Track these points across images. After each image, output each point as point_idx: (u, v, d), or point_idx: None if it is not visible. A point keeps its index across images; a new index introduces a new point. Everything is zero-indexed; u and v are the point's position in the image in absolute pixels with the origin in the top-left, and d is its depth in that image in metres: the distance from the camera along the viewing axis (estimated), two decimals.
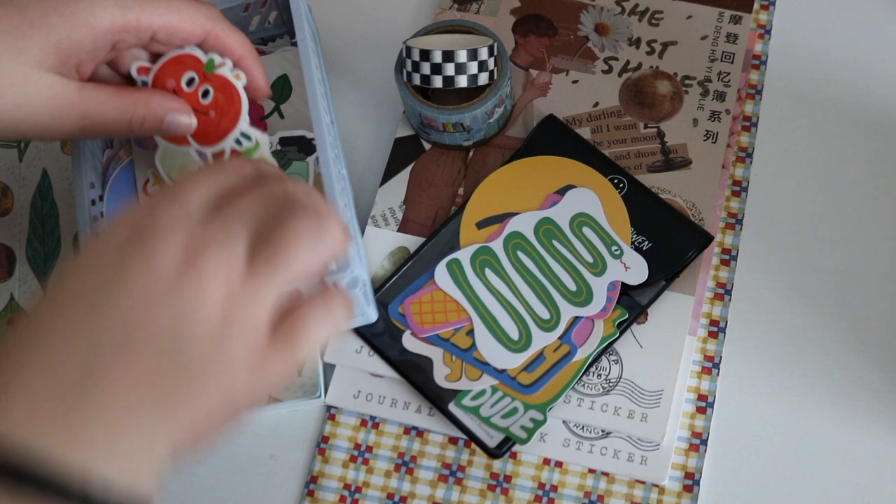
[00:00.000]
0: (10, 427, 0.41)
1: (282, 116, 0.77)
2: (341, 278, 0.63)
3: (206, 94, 0.64)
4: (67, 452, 0.41)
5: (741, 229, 0.75)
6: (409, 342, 0.71)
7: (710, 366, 0.71)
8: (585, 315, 0.70)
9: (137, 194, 0.74)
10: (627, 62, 0.80)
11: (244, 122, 0.64)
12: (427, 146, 0.78)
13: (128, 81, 0.66)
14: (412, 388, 0.70)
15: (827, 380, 0.70)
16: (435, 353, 0.70)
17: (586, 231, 0.72)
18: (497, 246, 0.72)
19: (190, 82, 0.64)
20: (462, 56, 0.71)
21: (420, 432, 0.70)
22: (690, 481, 0.68)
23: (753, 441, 0.69)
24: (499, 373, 0.69)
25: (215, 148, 0.65)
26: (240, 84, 0.64)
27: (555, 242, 0.72)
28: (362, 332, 0.72)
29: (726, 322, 0.72)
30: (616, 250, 0.72)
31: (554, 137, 0.76)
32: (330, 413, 0.71)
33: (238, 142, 0.65)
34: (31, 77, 0.58)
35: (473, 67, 0.72)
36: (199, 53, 0.64)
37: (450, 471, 0.69)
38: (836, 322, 0.72)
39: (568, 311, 0.70)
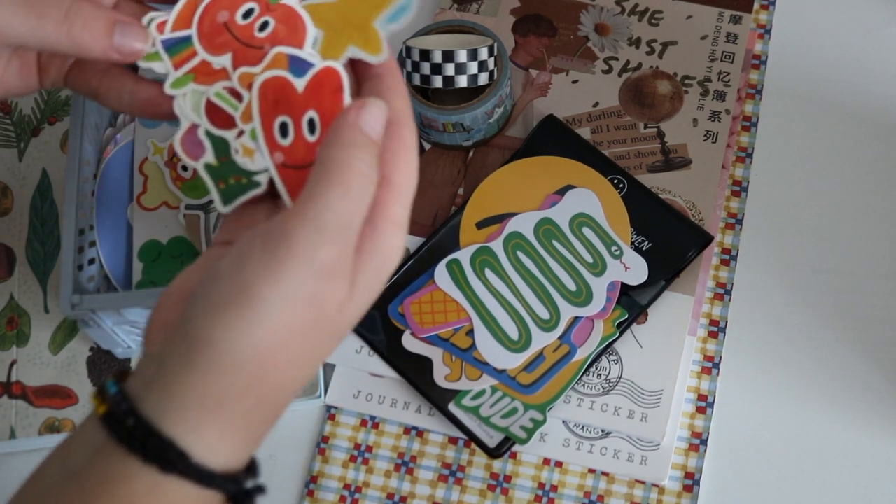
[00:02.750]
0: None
1: None
2: None
3: (264, 26, 0.52)
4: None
5: (741, 229, 0.75)
6: (409, 342, 0.71)
7: (710, 366, 0.71)
8: (585, 315, 0.70)
9: (133, 174, 0.74)
10: (627, 62, 0.80)
11: (312, 31, 0.52)
12: (427, 146, 0.78)
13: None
14: (412, 388, 0.70)
15: (827, 380, 0.70)
16: (435, 353, 0.70)
17: (586, 231, 0.72)
18: (497, 246, 0.72)
19: (247, 14, 0.53)
20: (462, 56, 0.71)
21: (420, 432, 0.70)
22: (690, 481, 0.68)
23: (753, 441, 0.69)
24: (498, 373, 0.69)
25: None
26: (307, 14, 0.52)
27: (554, 243, 0.72)
28: (362, 332, 0.72)
29: (726, 322, 0.72)
30: (616, 250, 0.72)
31: (554, 137, 0.76)
32: (330, 413, 0.71)
33: None
34: None
35: (473, 67, 0.72)
36: None
37: (450, 471, 0.69)
38: (836, 322, 0.72)
39: (568, 312, 0.70)
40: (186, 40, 0.53)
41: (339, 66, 0.50)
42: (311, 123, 0.50)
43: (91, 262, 0.70)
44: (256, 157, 0.50)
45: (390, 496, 0.69)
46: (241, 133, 0.51)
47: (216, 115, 0.52)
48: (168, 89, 0.52)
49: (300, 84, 0.50)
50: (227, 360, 0.42)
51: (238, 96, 0.52)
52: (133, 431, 0.42)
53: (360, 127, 0.46)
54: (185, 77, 0.53)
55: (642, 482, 0.68)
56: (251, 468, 0.45)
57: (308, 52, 0.51)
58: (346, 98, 0.50)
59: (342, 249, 0.44)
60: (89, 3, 0.51)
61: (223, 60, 0.53)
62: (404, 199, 0.47)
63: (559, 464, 0.69)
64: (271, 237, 0.43)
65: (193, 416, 0.42)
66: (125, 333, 0.68)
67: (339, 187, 0.44)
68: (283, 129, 0.50)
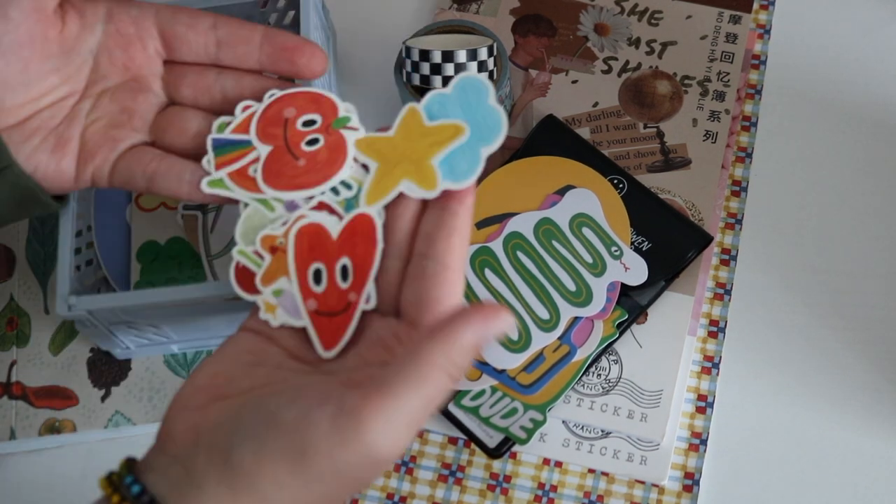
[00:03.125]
0: None
1: None
2: None
3: (313, 142, 0.54)
4: None
5: (741, 229, 0.75)
6: None
7: (710, 366, 0.71)
8: (585, 315, 0.70)
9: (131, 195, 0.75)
10: (627, 62, 0.80)
11: (346, 172, 0.53)
12: None
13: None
14: None
15: (827, 380, 0.70)
16: None
17: (586, 231, 0.72)
18: (496, 246, 0.72)
19: (308, 123, 0.55)
20: (461, 56, 0.71)
21: (420, 432, 0.70)
22: (690, 481, 0.68)
23: (753, 441, 0.69)
24: (498, 373, 0.69)
25: (292, 195, 0.53)
26: (352, 144, 0.54)
27: (554, 243, 0.72)
28: None
29: (726, 322, 0.72)
30: (616, 251, 0.72)
31: (553, 137, 0.76)
32: None
33: (334, 190, 0.53)
34: None
35: (473, 68, 0.72)
36: (338, 101, 0.55)
37: (449, 471, 0.69)
38: (835, 322, 0.72)
39: (567, 312, 0.70)
40: (242, 143, 0.55)
41: (373, 212, 0.51)
42: (344, 270, 0.50)
43: (89, 262, 0.70)
44: (278, 313, 0.50)
45: (390, 496, 0.69)
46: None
47: (244, 278, 0.52)
48: (205, 188, 0.54)
49: (335, 230, 0.51)
50: None
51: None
52: None
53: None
54: (220, 180, 0.54)
55: (642, 482, 0.68)
56: None
57: (334, 200, 0.52)
58: (379, 244, 0.50)
59: (404, 447, 0.44)
60: (175, 163, 0.55)
61: (262, 150, 0.54)
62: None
63: (559, 464, 0.69)
64: (342, 419, 0.43)
65: None
66: (123, 334, 0.68)
67: (418, 393, 0.44)
68: (317, 276, 0.50)
